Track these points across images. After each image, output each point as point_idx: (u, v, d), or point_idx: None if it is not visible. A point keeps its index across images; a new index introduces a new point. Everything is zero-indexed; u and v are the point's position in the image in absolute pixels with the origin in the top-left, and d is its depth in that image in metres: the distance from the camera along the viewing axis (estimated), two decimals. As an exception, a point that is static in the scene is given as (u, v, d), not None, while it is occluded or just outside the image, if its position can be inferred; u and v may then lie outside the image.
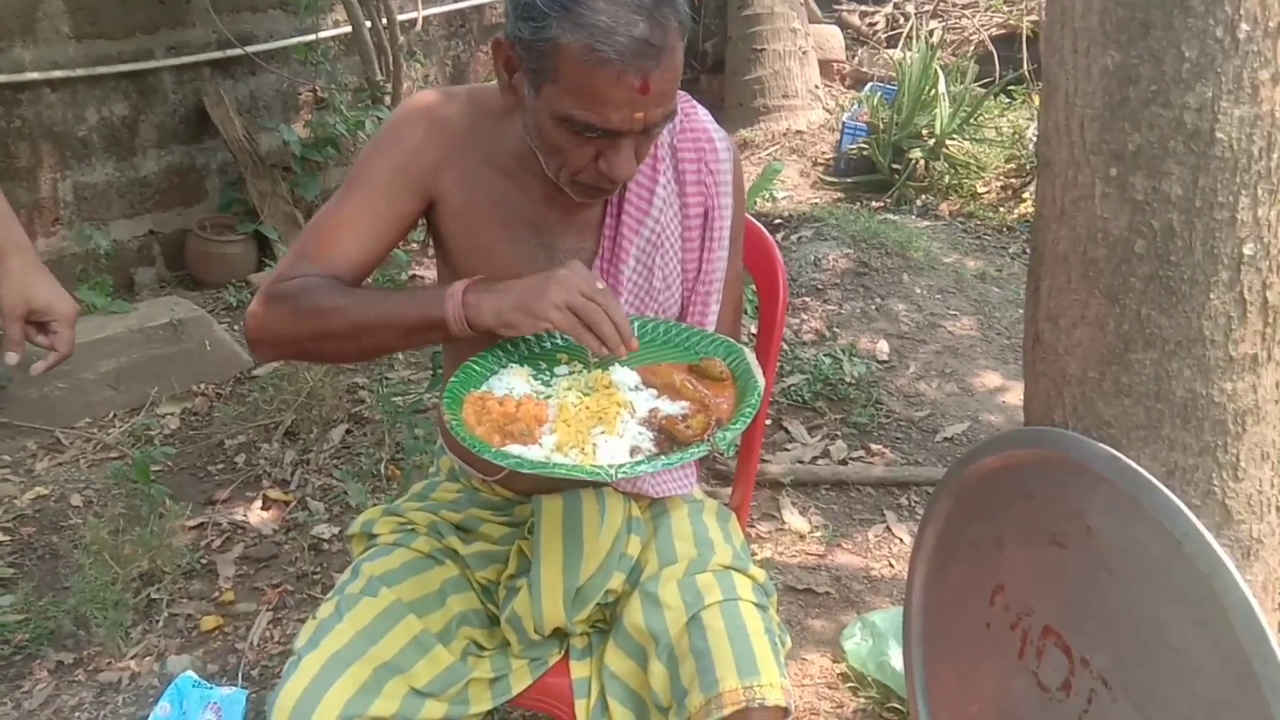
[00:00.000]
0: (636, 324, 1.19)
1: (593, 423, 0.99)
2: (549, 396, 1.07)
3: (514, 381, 1.09)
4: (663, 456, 0.94)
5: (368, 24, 4.05)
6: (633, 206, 1.24)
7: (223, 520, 2.45)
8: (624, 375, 1.09)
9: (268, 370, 3.14)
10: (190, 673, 1.83)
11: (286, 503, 2.53)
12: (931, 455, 2.76)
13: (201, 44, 3.97)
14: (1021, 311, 3.61)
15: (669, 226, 1.26)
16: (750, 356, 1.11)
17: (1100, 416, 1.15)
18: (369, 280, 1.23)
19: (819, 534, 2.41)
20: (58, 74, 3.51)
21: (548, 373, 1.13)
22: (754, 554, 2.32)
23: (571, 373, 1.13)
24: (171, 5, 3.85)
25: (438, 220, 1.24)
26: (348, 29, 4.16)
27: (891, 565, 2.30)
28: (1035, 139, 1.56)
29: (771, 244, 1.49)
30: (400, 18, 4.41)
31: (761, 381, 1.06)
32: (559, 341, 1.18)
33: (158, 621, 2.08)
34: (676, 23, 1.02)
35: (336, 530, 2.40)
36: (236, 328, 3.51)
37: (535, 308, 1.02)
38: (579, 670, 1.23)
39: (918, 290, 3.70)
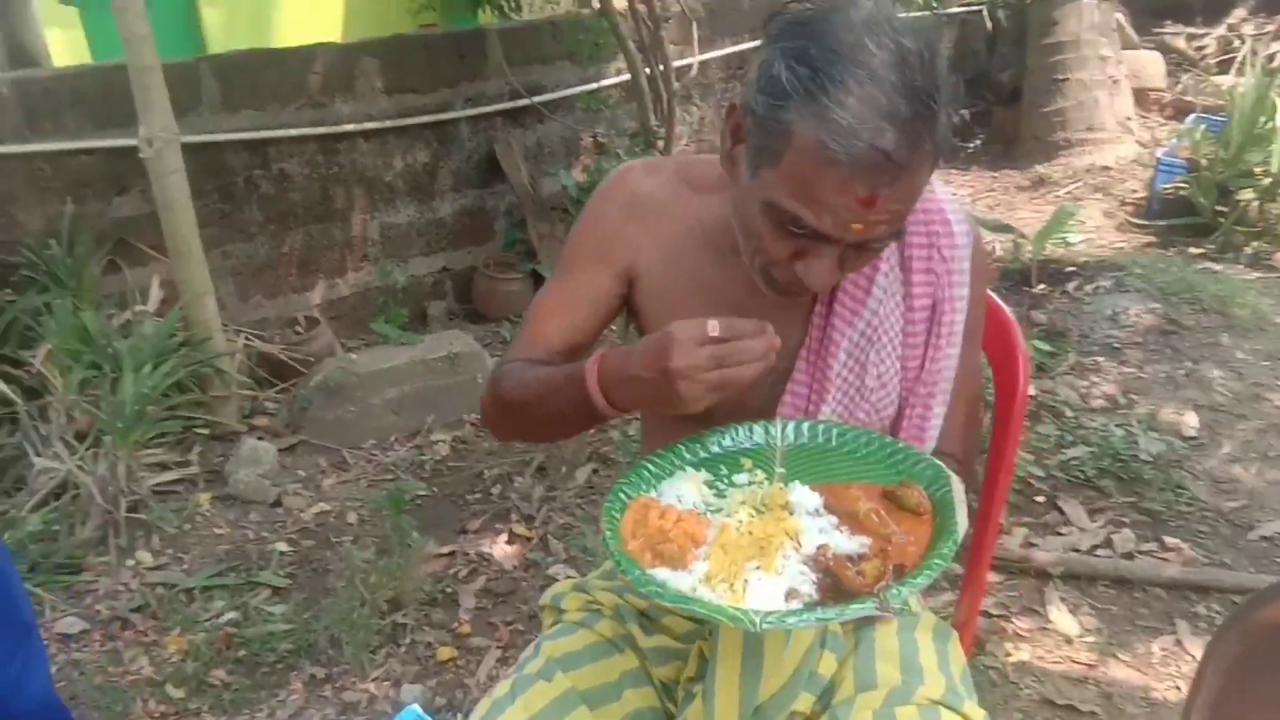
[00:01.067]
0: (835, 432, 1.07)
1: (752, 552, 0.89)
2: (718, 510, 0.97)
3: (685, 489, 1.00)
4: (819, 609, 0.81)
5: (646, 71, 4.16)
6: (847, 295, 1.12)
7: (471, 550, 2.56)
8: (804, 496, 0.96)
9: (528, 406, 3.28)
10: (416, 706, 1.91)
11: (529, 539, 2.60)
12: (1242, 556, 2.33)
13: (495, 95, 4.26)
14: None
15: (888, 319, 1.12)
16: (958, 489, 0.94)
17: None
18: None
19: (1090, 639, 2.10)
20: (371, 125, 3.90)
21: (726, 479, 1.03)
22: (1008, 655, 2.06)
23: (751, 483, 1.02)
24: (470, 59, 4.17)
25: (636, 299, 1.19)
26: (627, 77, 4.29)
27: (1179, 688, 1.96)
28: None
29: (1013, 327, 1.30)
30: (679, 63, 4.50)
31: (963, 525, 0.88)
32: (742, 443, 1.08)
33: (401, 647, 2.20)
34: (930, 144, 0.90)
35: (570, 573, 2.43)
36: (507, 362, 3.71)
37: (680, 408, 0.93)
38: (759, 790, 1.11)
39: (1239, 355, 3.19)
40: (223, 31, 6.15)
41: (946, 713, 1.06)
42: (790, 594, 0.84)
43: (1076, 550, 2.37)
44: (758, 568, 0.86)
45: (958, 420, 1.17)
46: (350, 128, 3.85)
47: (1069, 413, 2.93)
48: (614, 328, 1.29)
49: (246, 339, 3.43)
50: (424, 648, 2.21)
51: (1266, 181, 4.04)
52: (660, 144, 4.16)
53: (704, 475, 1.03)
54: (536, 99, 4.30)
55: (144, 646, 2.20)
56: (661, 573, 0.87)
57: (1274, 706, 1.11)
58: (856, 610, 0.80)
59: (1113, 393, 3.03)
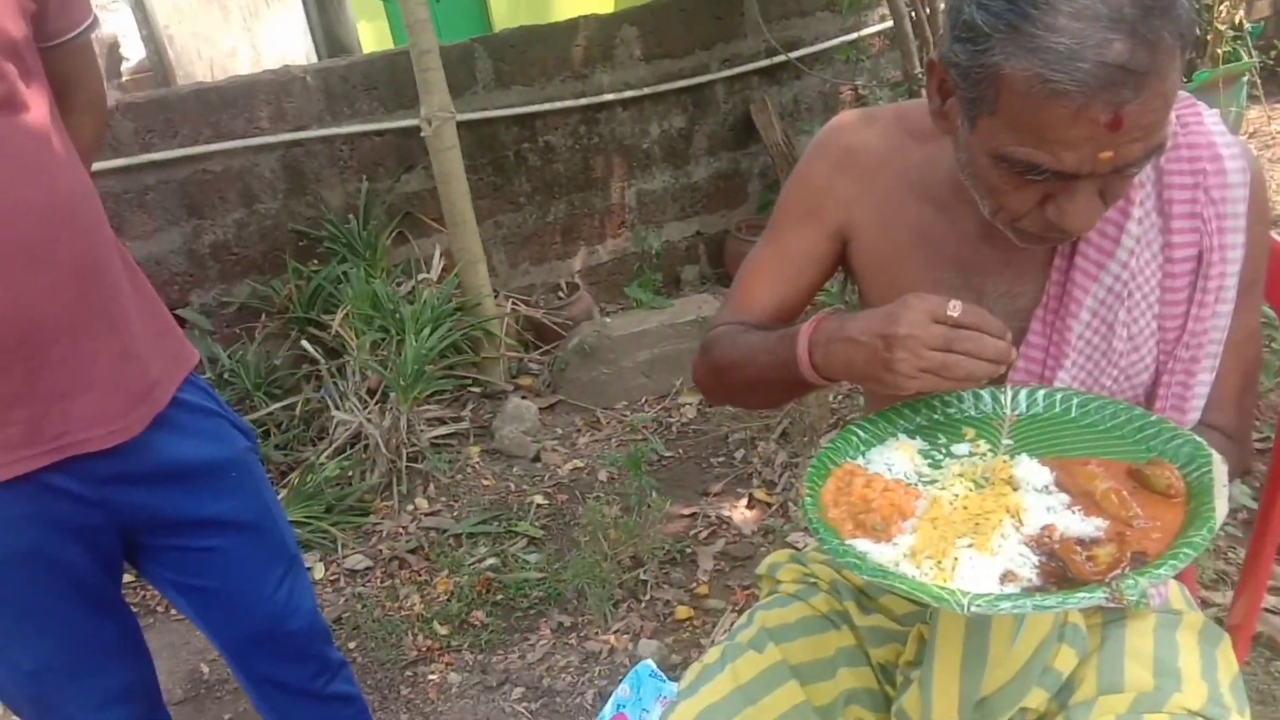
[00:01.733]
0: (1076, 401, 0.95)
1: (965, 529, 0.81)
2: (932, 481, 0.90)
3: (895, 458, 0.93)
4: (1037, 595, 0.72)
5: (911, 15, 3.93)
6: (1092, 247, 0.99)
7: (712, 513, 2.59)
8: (1032, 470, 0.86)
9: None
10: (650, 661, 1.96)
11: (769, 504, 2.58)
12: None
13: (751, 54, 4.21)
14: None
15: (1144, 271, 0.98)
16: (1220, 471, 0.80)
17: None
18: None
19: None
20: (629, 94, 3.99)
21: (944, 449, 0.95)
22: (1269, 696, 1.78)
23: (973, 454, 0.93)
24: (726, 20, 4.14)
25: (852, 258, 1.13)
26: (890, 24, 4.08)
27: None
28: None
29: None
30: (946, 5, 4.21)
31: (1221, 513, 0.75)
32: (967, 410, 0.99)
33: (641, 602, 2.27)
34: (1174, 35, 0.78)
35: (808, 541, 2.39)
36: (758, 325, 3.69)
37: (888, 381, 0.86)
38: (977, 786, 1.04)
39: None
40: (509, 11, 6.54)
41: (1207, 726, 0.93)
42: (1007, 576, 0.76)
43: None
44: (970, 545, 0.79)
45: (1230, 389, 1.02)
46: (610, 97, 3.95)
47: None
48: (830, 287, 1.24)
49: (514, 304, 3.65)
50: (663, 605, 2.27)
51: None
52: (923, 91, 3.92)
53: (919, 444, 0.97)
54: (793, 54, 4.19)
55: (417, 585, 2.42)
56: (862, 544, 0.82)
57: None
58: (1082, 600, 0.70)
59: None
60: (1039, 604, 0.70)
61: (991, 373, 0.85)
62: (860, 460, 0.94)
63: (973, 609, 0.71)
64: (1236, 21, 4.78)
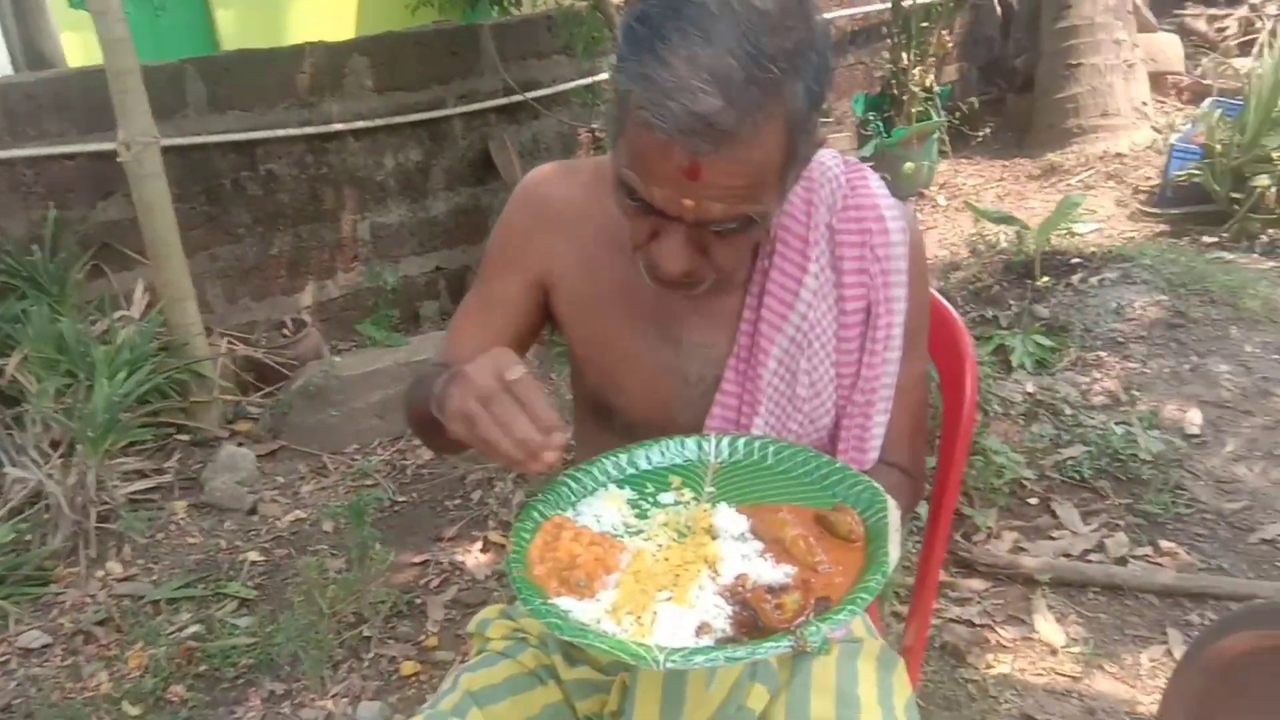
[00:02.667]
0: (772, 450, 0.99)
1: (666, 581, 0.81)
2: (638, 532, 0.90)
3: (605, 509, 0.92)
4: (728, 648, 0.73)
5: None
6: (774, 299, 1.04)
7: (444, 559, 2.50)
8: (729, 519, 0.89)
9: (514, 408, 3.22)
10: (370, 726, 1.86)
11: (503, 546, 2.54)
12: (1241, 560, 2.22)
13: (489, 91, 4.20)
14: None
15: (820, 323, 1.04)
16: (894, 517, 0.86)
17: None
18: None
19: (1077, 650, 2.00)
20: (361, 124, 3.85)
21: (652, 498, 0.95)
22: (988, 667, 1.97)
23: (678, 502, 0.94)
24: (464, 55, 4.11)
25: (555, 307, 1.12)
26: (621, 69, 4.21)
27: (1168, 704, 1.86)
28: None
29: (962, 333, 1.22)
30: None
31: (894, 557, 0.81)
32: (673, 459, 1.01)
33: (364, 661, 2.15)
34: (776, 116, 0.82)
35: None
36: (497, 363, 3.65)
37: (442, 417, 0.84)
38: (681, 829, 1.04)
39: (1248, 349, 3.06)
40: (238, 30, 6.15)
41: (881, 749, 0.98)
42: (702, 628, 0.77)
43: (1068, 555, 2.27)
44: (669, 598, 0.79)
45: (903, 429, 1.09)
46: (339, 127, 3.80)
47: (1068, 410, 2.82)
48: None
49: (230, 342, 3.39)
50: (387, 662, 2.15)
51: (1283, 167, 3.89)
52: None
53: (628, 494, 0.96)
54: (531, 95, 4.23)
55: (105, 661, 2.16)
56: (566, 601, 0.80)
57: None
58: (769, 650, 0.73)
59: (1114, 389, 2.92)
60: (730, 656, 0.72)
61: (512, 453, 0.80)
62: (570, 513, 0.92)
63: (668, 665, 0.71)
64: (928, 84, 5.36)
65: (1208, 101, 4.71)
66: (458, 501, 2.81)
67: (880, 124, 5.15)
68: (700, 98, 0.79)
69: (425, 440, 1.11)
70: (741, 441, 1.01)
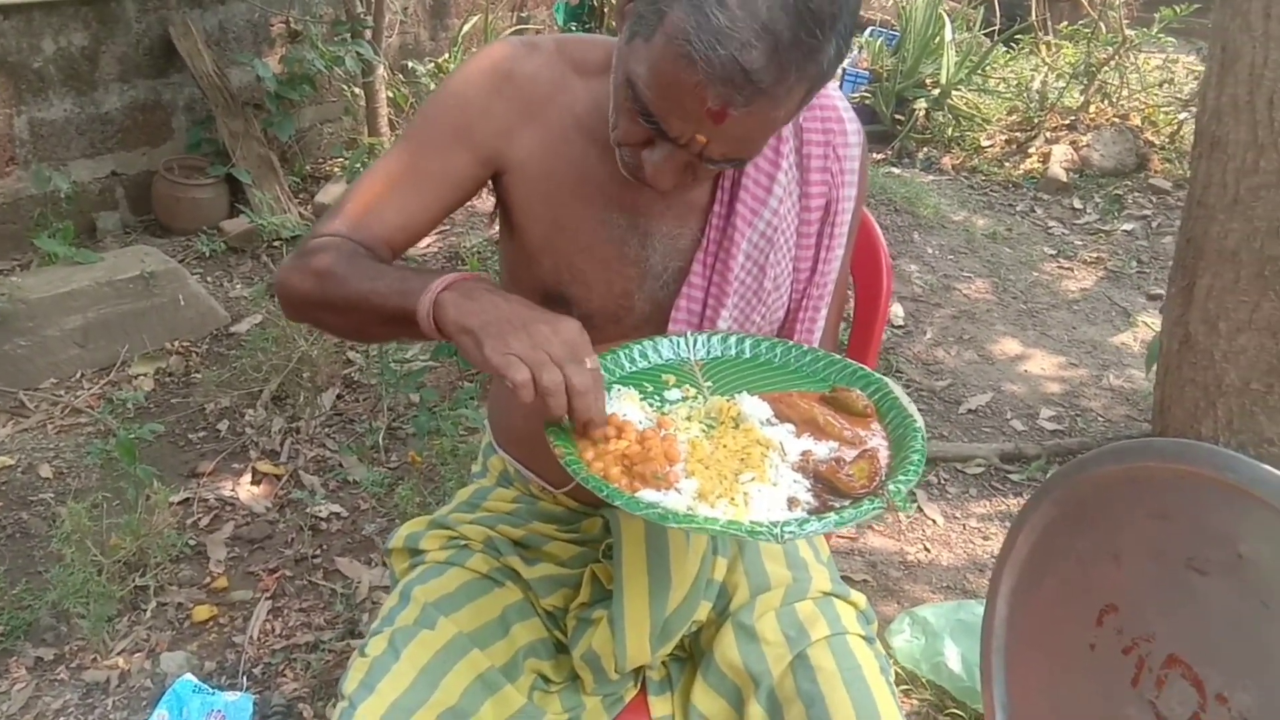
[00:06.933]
0: (749, 344, 1.02)
1: (737, 465, 0.83)
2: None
3: (626, 407, 0.91)
4: (833, 514, 0.77)
5: (347, -50, 3.76)
6: (748, 193, 1.06)
7: (210, 496, 2.27)
8: (753, 406, 0.91)
9: (249, 328, 2.94)
10: (190, 676, 1.67)
11: (278, 476, 2.35)
12: (956, 429, 2.64)
13: (166, -32, 3.65)
14: (1036, 275, 3.51)
15: (786, 219, 1.08)
16: (897, 388, 0.93)
17: (1261, 433, 1.01)
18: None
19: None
20: (10, 0, 3.20)
21: (656, 397, 0.95)
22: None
23: (684, 398, 0.95)
24: (133, -76, 3.52)
25: (509, 192, 1.06)
26: (325, -44, 3.86)
27: (927, 550, 2.20)
28: (1195, 112, 1.36)
29: (878, 237, 1.33)
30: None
31: (920, 420, 0.89)
32: (655, 359, 1.01)
33: (146, 613, 1.91)
34: (804, 77, 0.82)
35: (336, 509, 2.23)
36: (210, 280, 3.29)
37: (485, 350, 0.81)
38: (659, 708, 1.09)
39: (930, 250, 3.57)
40: None
41: (839, 603, 1.09)
42: (792, 502, 0.81)
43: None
44: (753, 479, 0.81)
45: (831, 322, 1.18)
46: (-21, -2, 3.13)
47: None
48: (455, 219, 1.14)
49: None
50: (175, 609, 1.94)
51: (935, 92, 4.50)
52: (368, 33, 3.81)
53: (634, 392, 0.95)
54: (216, -26, 3.74)
55: None
56: (649, 494, 0.79)
57: (1084, 561, 1.26)
58: (867, 511, 0.78)
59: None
60: (839, 520, 0.76)
61: (556, 410, 0.82)
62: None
63: (786, 538, 0.74)
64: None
65: (869, 30, 5.27)
66: (203, 433, 2.54)
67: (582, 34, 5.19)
68: (749, 51, 0.78)
69: (350, 322, 1.00)
70: (716, 339, 1.04)
